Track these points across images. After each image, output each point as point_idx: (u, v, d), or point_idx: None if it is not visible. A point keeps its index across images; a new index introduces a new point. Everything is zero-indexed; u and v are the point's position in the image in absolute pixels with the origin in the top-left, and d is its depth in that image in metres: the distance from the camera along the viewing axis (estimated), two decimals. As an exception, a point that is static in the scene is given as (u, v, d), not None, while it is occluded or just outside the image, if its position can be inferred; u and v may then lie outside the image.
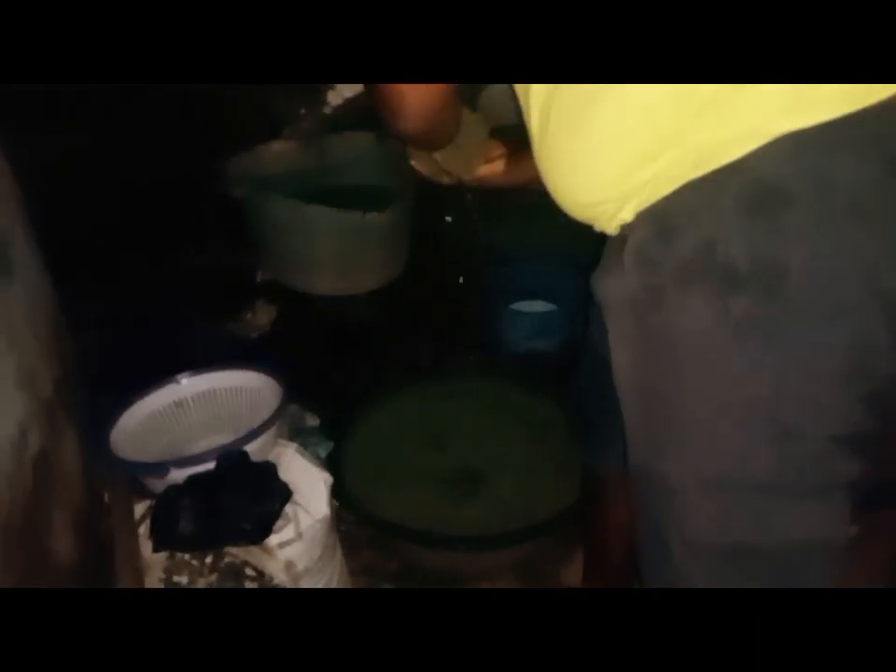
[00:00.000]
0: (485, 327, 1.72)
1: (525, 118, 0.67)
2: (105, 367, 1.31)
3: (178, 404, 1.15)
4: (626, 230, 0.62)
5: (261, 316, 1.76)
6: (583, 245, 0.75)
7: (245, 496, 1.00)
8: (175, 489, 0.99)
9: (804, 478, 0.56)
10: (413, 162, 1.07)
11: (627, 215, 0.60)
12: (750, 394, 0.55)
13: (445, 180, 1.04)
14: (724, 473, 0.58)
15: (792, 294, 0.51)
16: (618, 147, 0.57)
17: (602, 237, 0.71)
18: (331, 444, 1.40)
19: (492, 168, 0.98)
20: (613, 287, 0.64)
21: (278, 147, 1.69)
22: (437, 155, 0.98)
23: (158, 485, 1.04)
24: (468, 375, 1.61)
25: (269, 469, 1.04)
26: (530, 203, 1.71)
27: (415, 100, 0.67)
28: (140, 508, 1.06)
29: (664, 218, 0.57)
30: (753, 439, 0.56)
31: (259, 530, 0.99)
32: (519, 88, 0.66)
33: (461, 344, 1.71)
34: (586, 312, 0.89)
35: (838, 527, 0.58)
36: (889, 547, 0.92)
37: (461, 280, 1.70)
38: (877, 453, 0.55)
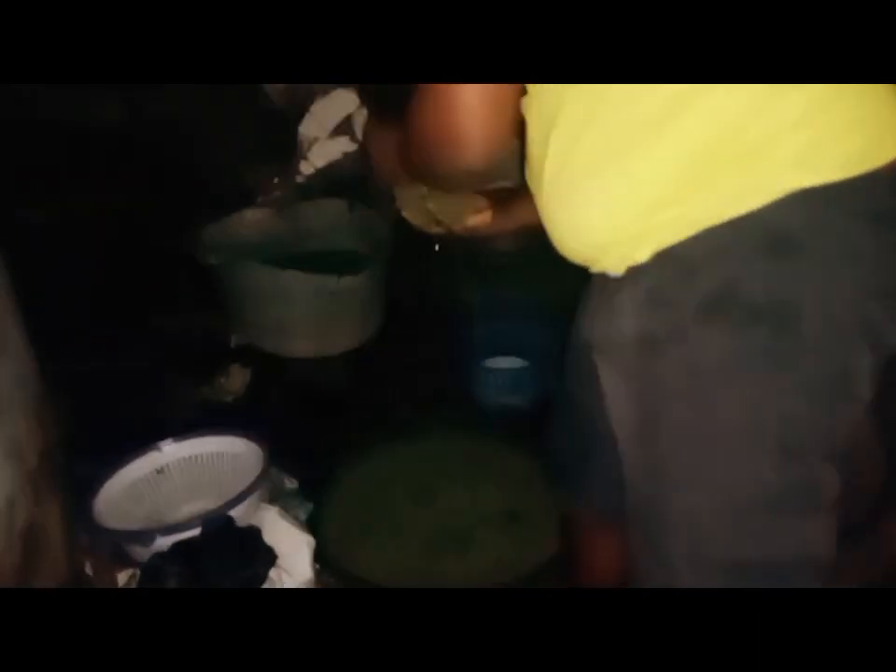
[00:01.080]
0: (458, 384, 1.76)
1: (535, 158, 0.70)
2: (80, 434, 1.31)
3: (160, 471, 1.15)
4: (637, 270, 0.66)
5: (235, 380, 1.77)
6: (553, 300, 0.80)
7: (231, 561, 1.00)
8: (160, 556, 1.00)
9: (802, 496, 0.62)
10: (404, 213, 1.08)
11: (643, 255, 0.65)
12: (764, 418, 0.61)
13: (435, 230, 1.07)
14: (736, 495, 0.63)
15: (803, 327, 0.59)
16: (643, 190, 0.63)
17: (573, 287, 0.77)
18: (311, 506, 1.40)
19: (482, 218, 1.01)
20: (610, 327, 0.68)
21: (252, 215, 1.73)
22: (431, 204, 1.01)
23: (141, 553, 1.04)
24: (442, 432, 1.64)
25: (253, 534, 1.05)
26: (500, 260, 1.77)
27: (485, 127, 0.64)
28: (123, 576, 1.06)
29: (685, 260, 0.62)
30: (763, 461, 0.62)
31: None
32: (536, 126, 0.68)
33: (435, 402, 1.74)
34: (557, 366, 0.93)
35: (830, 543, 0.63)
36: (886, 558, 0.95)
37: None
38: (865, 470, 0.62)
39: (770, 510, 0.62)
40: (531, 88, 0.68)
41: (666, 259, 0.64)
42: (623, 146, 0.62)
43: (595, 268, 0.71)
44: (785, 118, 0.59)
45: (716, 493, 0.64)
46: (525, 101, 0.69)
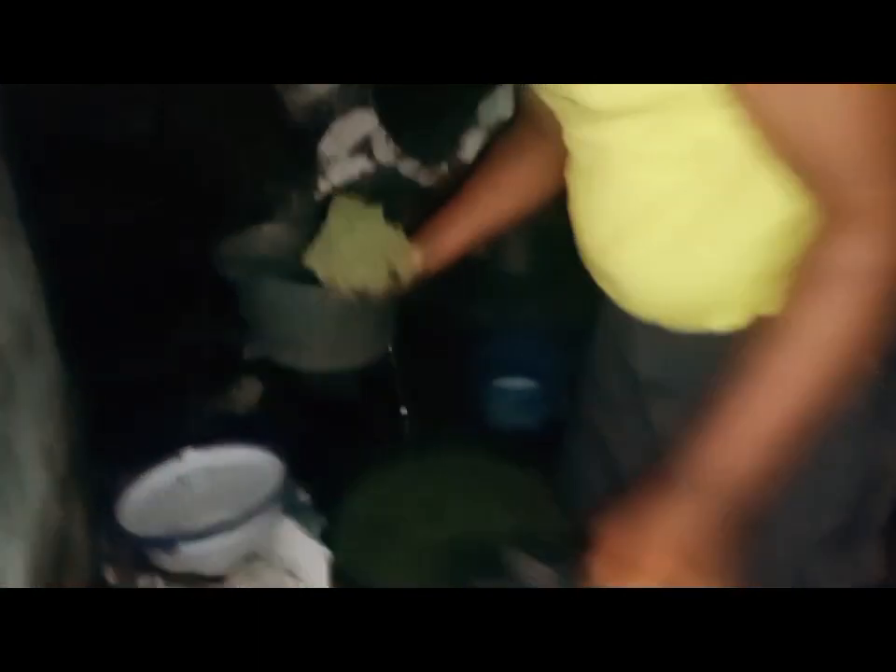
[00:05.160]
0: (469, 403, 1.78)
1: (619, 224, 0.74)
2: (98, 442, 1.33)
3: (181, 480, 1.17)
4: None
5: (248, 393, 1.78)
6: (564, 321, 0.84)
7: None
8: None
9: (872, 520, 0.67)
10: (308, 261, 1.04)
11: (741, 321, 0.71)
12: (865, 454, 0.69)
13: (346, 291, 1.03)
14: (827, 523, 0.70)
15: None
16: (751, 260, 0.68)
17: (584, 309, 0.84)
18: (324, 520, 1.41)
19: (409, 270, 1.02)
20: (682, 369, 0.75)
21: (270, 230, 1.75)
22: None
23: (163, 561, 1.05)
24: (453, 451, 1.65)
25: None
26: (511, 279, 1.79)
27: None
28: (143, 583, 1.07)
29: None
30: (854, 491, 0.69)
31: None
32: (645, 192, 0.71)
33: (446, 420, 1.76)
34: (568, 388, 0.96)
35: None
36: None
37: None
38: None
39: (844, 536, 0.71)
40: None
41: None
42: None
43: (671, 324, 0.76)
44: None
45: (807, 521, 0.72)
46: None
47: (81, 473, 1.07)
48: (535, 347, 1.79)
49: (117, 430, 1.39)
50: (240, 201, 1.80)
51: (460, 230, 0.85)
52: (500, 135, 0.84)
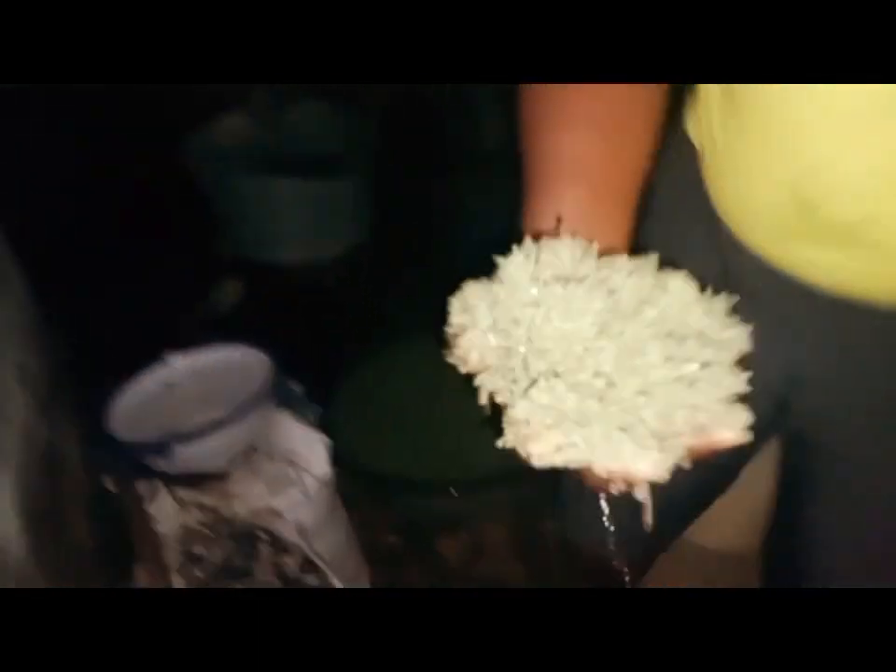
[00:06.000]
0: (453, 286, 1.76)
1: None
2: (83, 357, 1.32)
3: (170, 385, 1.16)
4: None
5: (229, 293, 1.76)
6: None
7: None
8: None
9: None
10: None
11: None
12: None
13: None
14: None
15: None
16: None
17: None
18: (318, 409, 1.42)
19: None
20: None
21: (233, 122, 1.68)
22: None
23: (161, 465, 1.06)
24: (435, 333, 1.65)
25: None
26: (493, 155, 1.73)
27: None
28: (145, 489, 1.08)
29: None
30: None
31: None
32: None
33: (430, 302, 1.74)
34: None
35: None
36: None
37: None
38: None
39: None
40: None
41: None
42: None
43: None
44: None
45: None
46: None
47: (66, 390, 1.06)
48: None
49: (100, 345, 1.38)
50: (199, 94, 1.71)
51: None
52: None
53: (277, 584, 1.03)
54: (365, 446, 1.38)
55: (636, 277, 0.46)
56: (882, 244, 0.51)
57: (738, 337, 0.44)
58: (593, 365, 0.43)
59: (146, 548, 1.00)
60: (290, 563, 1.06)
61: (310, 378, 1.53)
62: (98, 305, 1.44)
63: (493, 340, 0.46)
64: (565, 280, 0.45)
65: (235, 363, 1.17)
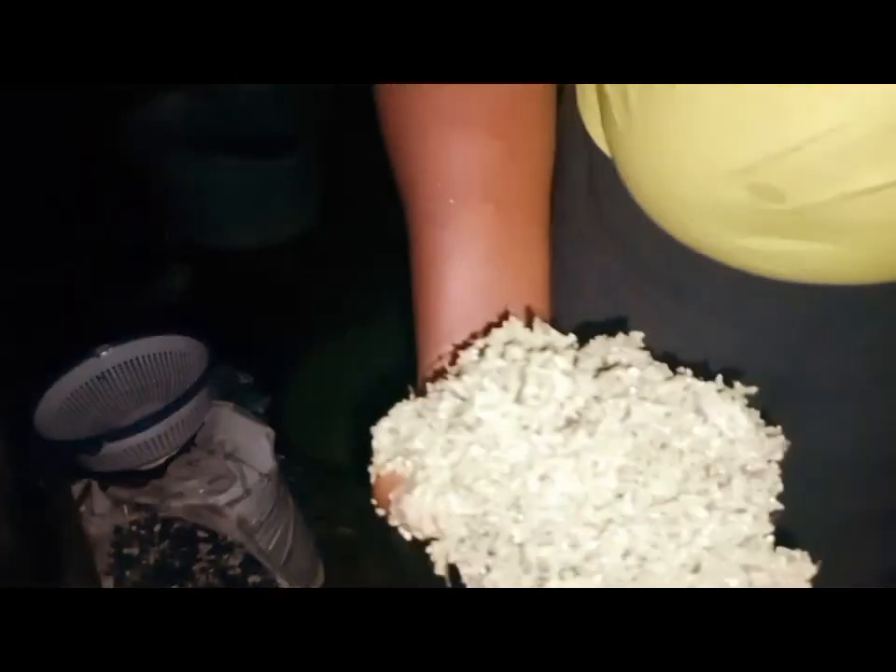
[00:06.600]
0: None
1: None
2: (21, 352, 1.25)
3: (101, 378, 1.10)
4: None
5: (176, 280, 1.70)
6: None
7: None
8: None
9: None
10: None
11: None
12: None
13: None
14: None
15: None
16: None
17: None
18: (268, 399, 1.37)
19: None
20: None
21: (174, 101, 1.60)
22: None
23: (93, 463, 1.00)
24: (395, 315, 1.60)
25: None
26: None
27: None
28: (77, 489, 1.03)
29: None
30: None
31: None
32: None
33: (384, 284, 1.69)
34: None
35: None
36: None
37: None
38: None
39: None
40: None
41: None
42: None
43: None
44: None
45: None
46: None
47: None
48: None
49: (36, 340, 1.32)
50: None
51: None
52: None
53: (218, 585, 0.98)
54: (317, 436, 1.33)
55: (667, 391, 0.32)
56: (850, 226, 0.43)
57: (778, 448, 0.33)
58: (619, 542, 0.29)
59: (75, 550, 0.95)
60: (232, 562, 1.02)
61: (260, 368, 1.48)
62: (28, 295, 1.37)
63: (456, 506, 0.31)
64: (566, 420, 0.31)
65: (171, 354, 1.12)
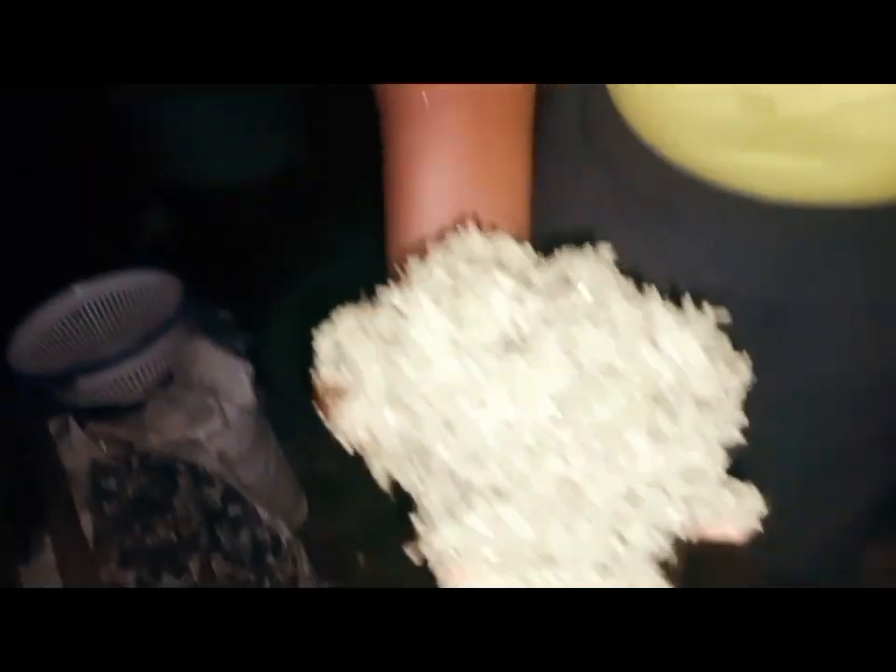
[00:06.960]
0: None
1: None
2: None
3: (76, 315, 1.10)
4: None
5: (156, 220, 1.68)
6: None
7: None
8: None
9: None
10: None
11: None
12: None
13: None
14: None
15: None
16: None
17: None
18: (249, 336, 1.37)
19: None
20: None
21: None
22: None
23: (69, 399, 1.00)
24: (374, 252, 1.59)
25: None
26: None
27: None
28: (55, 424, 1.03)
29: None
30: None
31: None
32: None
33: (363, 226, 1.68)
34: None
35: None
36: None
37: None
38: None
39: None
40: None
41: None
42: None
43: None
44: None
45: None
46: None
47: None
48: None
49: (6, 273, 1.30)
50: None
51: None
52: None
53: (198, 516, 0.99)
54: (297, 373, 1.33)
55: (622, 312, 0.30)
56: (845, 140, 0.42)
57: (741, 378, 0.31)
58: (554, 466, 0.28)
59: (53, 484, 0.95)
60: (212, 494, 1.02)
61: (240, 306, 1.47)
62: (3, 233, 1.35)
63: (391, 419, 0.30)
64: (503, 341, 0.29)
65: (145, 291, 1.11)
